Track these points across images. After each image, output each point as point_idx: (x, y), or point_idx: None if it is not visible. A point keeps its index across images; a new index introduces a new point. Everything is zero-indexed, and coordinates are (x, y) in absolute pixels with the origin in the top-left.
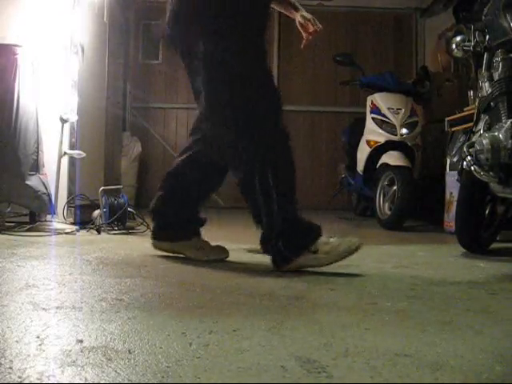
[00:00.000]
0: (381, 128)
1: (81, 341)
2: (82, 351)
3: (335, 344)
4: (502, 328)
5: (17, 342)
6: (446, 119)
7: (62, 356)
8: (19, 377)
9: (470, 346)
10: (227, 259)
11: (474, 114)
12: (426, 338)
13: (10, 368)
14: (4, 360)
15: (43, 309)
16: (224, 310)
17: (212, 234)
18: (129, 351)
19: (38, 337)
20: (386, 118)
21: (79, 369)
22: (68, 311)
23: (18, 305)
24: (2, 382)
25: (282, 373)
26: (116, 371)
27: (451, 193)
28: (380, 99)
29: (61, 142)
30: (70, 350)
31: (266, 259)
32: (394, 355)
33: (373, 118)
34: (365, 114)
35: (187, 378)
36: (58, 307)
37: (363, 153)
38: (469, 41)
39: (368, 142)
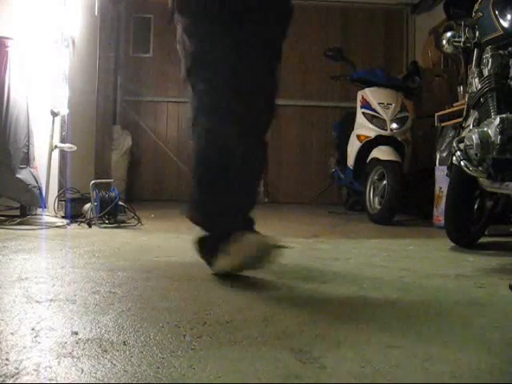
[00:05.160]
0: (371, 123)
1: (76, 333)
2: (77, 343)
3: (327, 336)
4: (489, 320)
5: (12, 334)
6: (436, 114)
7: (58, 348)
8: (16, 368)
9: (458, 337)
10: None
11: (463, 109)
12: (415, 330)
13: (7, 360)
14: (0, 352)
15: (37, 301)
16: (216, 302)
17: None
18: (124, 343)
19: (33, 329)
20: (377, 112)
21: (75, 360)
22: (62, 304)
23: (12, 297)
24: None
25: (276, 363)
26: (112, 362)
27: (440, 187)
28: (370, 94)
29: (51, 136)
30: (66, 342)
31: None
32: (384, 346)
33: (363, 113)
34: (355, 108)
35: (182, 369)
36: (51, 300)
37: (353, 147)
38: (459, 37)
39: (358, 137)
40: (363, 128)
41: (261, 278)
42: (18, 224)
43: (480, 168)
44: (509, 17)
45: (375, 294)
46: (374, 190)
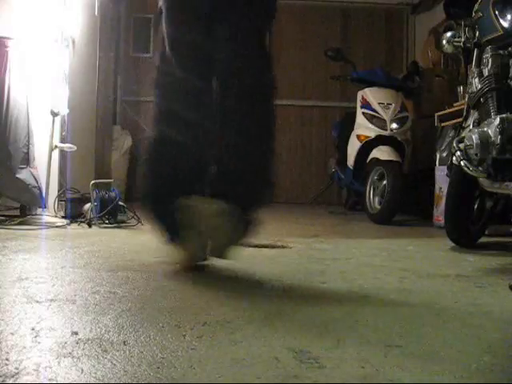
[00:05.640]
0: (371, 123)
1: (76, 333)
2: (77, 343)
3: (327, 335)
4: (489, 319)
5: (12, 334)
6: (436, 114)
7: (58, 348)
8: (16, 368)
9: (458, 337)
10: None
11: (463, 109)
12: (415, 330)
13: (7, 360)
14: (0, 352)
15: (37, 301)
16: (217, 302)
17: None
18: (124, 343)
19: (33, 329)
20: (377, 112)
21: (75, 360)
22: (62, 304)
23: (12, 298)
24: None
25: (275, 363)
26: (112, 362)
27: (440, 187)
28: (371, 94)
29: (51, 136)
30: (66, 342)
31: (256, 252)
32: (384, 346)
33: (363, 113)
34: (355, 108)
35: (182, 369)
36: (51, 300)
37: (353, 147)
38: (459, 37)
39: (358, 137)
40: (363, 128)
41: (261, 278)
42: (18, 224)
43: (480, 168)
44: (509, 17)
45: (375, 294)
46: (374, 189)
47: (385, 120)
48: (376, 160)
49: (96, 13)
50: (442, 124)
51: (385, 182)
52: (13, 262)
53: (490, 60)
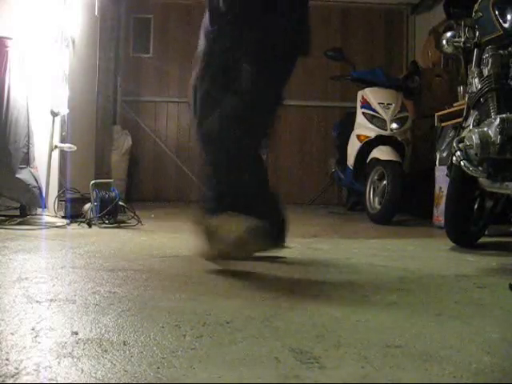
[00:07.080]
0: (371, 123)
1: (76, 333)
2: (77, 343)
3: (327, 336)
4: (490, 320)
5: (12, 334)
6: (436, 114)
7: (58, 348)
8: (16, 368)
9: (458, 337)
10: None
11: (463, 109)
12: (415, 330)
13: (7, 359)
14: (0, 352)
15: (37, 301)
16: (217, 302)
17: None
18: (124, 343)
19: (33, 329)
20: (377, 112)
21: (75, 360)
22: (62, 304)
23: (12, 297)
24: None
25: (276, 364)
26: (112, 362)
27: (440, 187)
28: (371, 94)
29: (51, 136)
30: (66, 342)
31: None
32: (384, 346)
33: (363, 113)
34: (355, 108)
35: (182, 369)
36: (51, 300)
37: (353, 147)
38: (459, 37)
39: (358, 137)
40: (363, 128)
41: (261, 278)
42: (18, 224)
43: (480, 168)
44: (509, 17)
45: (375, 294)
46: (374, 190)
47: (385, 120)
48: (376, 160)
49: (96, 13)
50: (442, 124)
51: (385, 182)
52: (13, 262)
53: (490, 60)
